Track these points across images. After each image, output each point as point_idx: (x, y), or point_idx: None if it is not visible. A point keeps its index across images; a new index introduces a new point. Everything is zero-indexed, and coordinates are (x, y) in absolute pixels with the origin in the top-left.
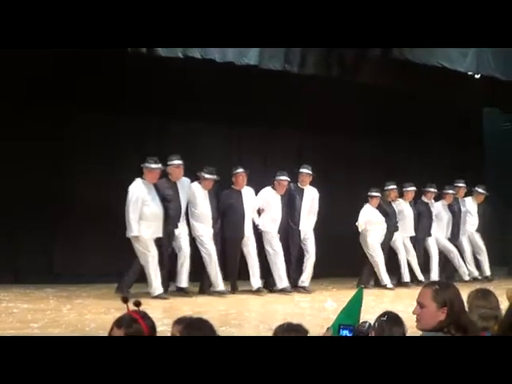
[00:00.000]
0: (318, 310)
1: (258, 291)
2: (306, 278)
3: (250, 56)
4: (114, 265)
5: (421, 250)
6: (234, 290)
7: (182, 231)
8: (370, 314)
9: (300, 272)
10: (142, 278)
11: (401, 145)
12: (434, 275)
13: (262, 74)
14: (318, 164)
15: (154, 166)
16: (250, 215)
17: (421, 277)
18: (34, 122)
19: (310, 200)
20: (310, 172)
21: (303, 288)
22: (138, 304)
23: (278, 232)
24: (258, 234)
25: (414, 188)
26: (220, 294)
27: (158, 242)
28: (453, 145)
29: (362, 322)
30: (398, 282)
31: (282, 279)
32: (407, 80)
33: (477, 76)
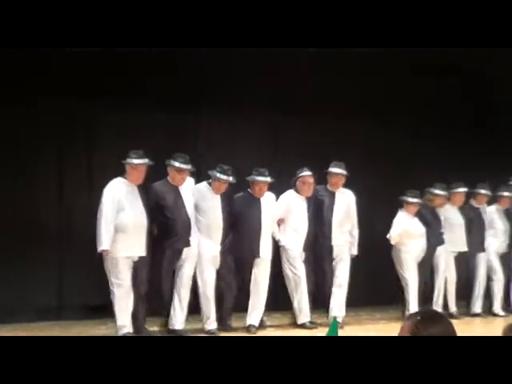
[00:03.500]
0: None
1: (248, 328)
2: (338, 310)
3: None
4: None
5: (469, 268)
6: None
7: (189, 252)
8: None
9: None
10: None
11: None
12: (477, 304)
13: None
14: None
15: (137, 161)
16: (268, 229)
17: (453, 308)
18: None
19: (344, 206)
20: (343, 172)
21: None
22: None
23: (304, 249)
24: (277, 253)
25: (464, 189)
26: (211, 333)
27: (141, 263)
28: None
29: None
30: None
31: (302, 311)
32: None
33: None
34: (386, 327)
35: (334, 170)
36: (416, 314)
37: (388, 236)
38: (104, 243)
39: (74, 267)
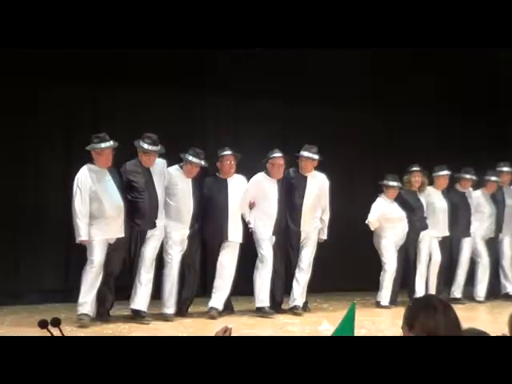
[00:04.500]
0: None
1: (209, 312)
2: (298, 295)
3: None
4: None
5: (455, 254)
6: (230, 309)
7: (152, 233)
8: None
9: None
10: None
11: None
12: (458, 289)
13: None
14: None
15: (103, 144)
16: (236, 211)
17: (432, 292)
18: None
19: (316, 190)
20: (313, 156)
21: (295, 308)
22: (55, 323)
23: (274, 233)
24: (249, 236)
25: (447, 172)
26: (165, 317)
27: (117, 245)
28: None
29: None
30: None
31: (261, 295)
32: None
33: None
34: (393, 312)
35: (303, 153)
36: (413, 300)
37: (366, 221)
38: (82, 234)
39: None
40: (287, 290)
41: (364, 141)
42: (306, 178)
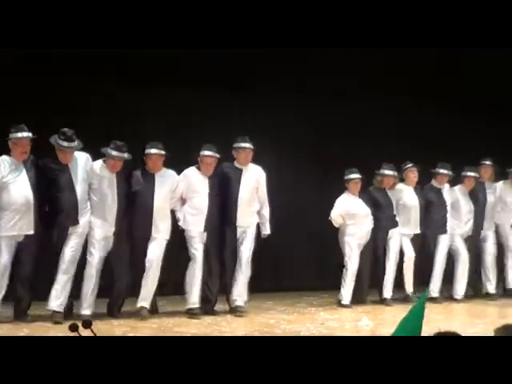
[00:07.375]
0: (349, 332)
1: (139, 311)
2: (238, 295)
3: None
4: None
5: (429, 252)
6: (155, 310)
7: (74, 230)
8: None
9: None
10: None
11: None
12: (435, 287)
13: None
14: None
15: (20, 134)
16: (163, 206)
17: (410, 290)
18: None
19: (253, 183)
20: (248, 145)
21: (236, 309)
22: (87, 325)
23: (205, 230)
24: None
25: (410, 165)
26: (81, 318)
27: (26, 243)
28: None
29: None
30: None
31: (192, 295)
32: None
33: None
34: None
35: (238, 144)
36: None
37: (329, 218)
38: None
39: None
40: (222, 289)
41: (363, 140)
42: (241, 170)
